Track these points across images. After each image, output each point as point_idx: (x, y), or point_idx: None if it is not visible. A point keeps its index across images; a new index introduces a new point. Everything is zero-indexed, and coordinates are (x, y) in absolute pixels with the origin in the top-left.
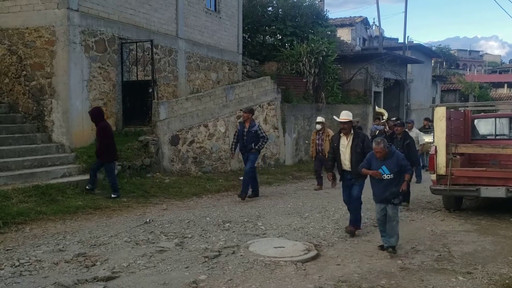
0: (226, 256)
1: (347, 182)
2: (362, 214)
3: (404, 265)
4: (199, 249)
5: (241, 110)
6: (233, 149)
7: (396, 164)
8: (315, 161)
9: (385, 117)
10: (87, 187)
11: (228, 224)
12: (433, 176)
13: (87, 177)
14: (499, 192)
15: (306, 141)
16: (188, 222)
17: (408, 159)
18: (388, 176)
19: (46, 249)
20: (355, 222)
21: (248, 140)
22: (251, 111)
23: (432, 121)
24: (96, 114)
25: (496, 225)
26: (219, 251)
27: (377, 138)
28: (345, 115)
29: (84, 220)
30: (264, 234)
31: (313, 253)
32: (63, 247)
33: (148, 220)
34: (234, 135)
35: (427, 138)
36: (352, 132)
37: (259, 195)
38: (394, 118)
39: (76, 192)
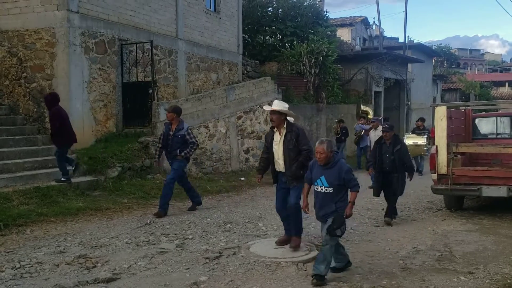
0: (227, 257)
1: (282, 186)
2: (362, 214)
3: (406, 265)
4: (200, 250)
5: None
6: (157, 156)
7: (338, 176)
8: None
9: (370, 116)
10: (61, 178)
11: (229, 225)
12: (434, 176)
13: (88, 178)
14: (500, 191)
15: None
16: (189, 223)
17: (401, 168)
18: (325, 189)
19: (47, 251)
20: (295, 232)
21: (174, 145)
22: (175, 109)
23: (434, 120)
24: (50, 99)
25: (497, 225)
26: (220, 252)
27: (323, 138)
28: (276, 105)
29: (85, 222)
30: (265, 234)
31: (314, 253)
32: (64, 248)
33: (148, 222)
34: (159, 138)
35: (420, 140)
36: (285, 126)
37: (201, 203)
38: (381, 118)
39: (77, 194)
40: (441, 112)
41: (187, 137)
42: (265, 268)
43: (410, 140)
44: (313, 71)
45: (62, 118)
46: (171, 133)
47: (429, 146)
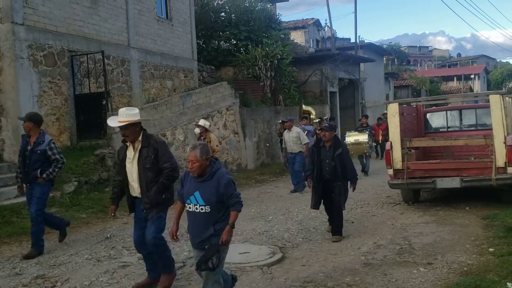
0: (190, 266)
1: (139, 216)
2: (323, 213)
3: (367, 260)
4: None
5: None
6: (18, 178)
7: (216, 191)
8: None
9: (313, 116)
10: None
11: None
12: (390, 171)
13: None
14: (453, 182)
15: (267, 144)
16: None
17: (343, 174)
18: (201, 209)
19: (2, 274)
20: (164, 269)
21: (32, 164)
22: (31, 118)
23: (384, 117)
24: None
25: (453, 215)
26: (183, 262)
27: (196, 142)
28: (123, 116)
29: None
30: None
31: (278, 256)
32: (20, 270)
33: (109, 236)
34: (19, 155)
35: (361, 137)
36: (140, 139)
37: (66, 234)
38: (326, 117)
39: None
40: (393, 109)
41: (49, 152)
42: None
43: (352, 138)
44: (269, 74)
45: None
46: (29, 147)
47: (372, 143)
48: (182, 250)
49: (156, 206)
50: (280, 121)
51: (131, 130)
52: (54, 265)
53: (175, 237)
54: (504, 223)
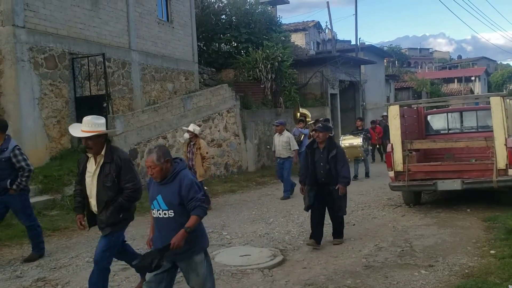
0: None
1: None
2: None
3: (369, 263)
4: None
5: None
6: None
7: (178, 193)
8: None
9: (309, 119)
10: None
11: None
12: (391, 173)
13: (43, 198)
14: (454, 184)
15: (268, 146)
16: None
17: (336, 177)
18: (164, 213)
19: (2, 276)
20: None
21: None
22: None
23: (381, 120)
24: None
25: (454, 217)
26: None
27: (152, 146)
28: (87, 125)
29: None
30: (229, 243)
31: (279, 258)
32: (20, 273)
33: None
34: None
35: (356, 141)
36: (103, 152)
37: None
38: (321, 119)
39: None
40: (394, 111)
41: (13, 160)
42: (231, 277)
43: (346, 141)
44: (269, 77)
45: None
46: None
47: (367, 147)
48: None
49: (112, 225)
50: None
51: (95, 141)
52: (55, 268)
53: (150, 246)
54: (505, 225)
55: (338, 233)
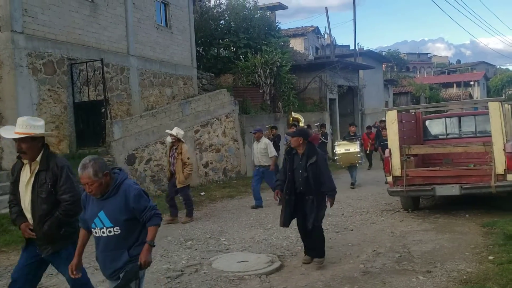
0: (189, 275)
1: (31, 254)
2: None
3: (366, 268)
4: (161, 270)
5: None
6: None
7: (125, 206)
8: (168, 184)
9: (301, 124)
10: None
11: (190, 242)
12: (389, 178)
13: None
14: (453, 189)
15: None
16: None
17: (317, 187)
18: (109, 231)
19: (0, 283)
20: None
21: None
22: None
23: (373, 125)
24: None
25: (452, 222)
26: (181, 271)
27: (87, 158)
28: (24, 126)
29: None
30: (227, 249)
31: (277, 264)
32: None
33: None
34: None
35: (352, 147)
36: (38, 159)
37: None
38: (317, 123)
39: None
40: (392, 116)
41: None
42: (229, 283)
43: (342, 147)
44: (268, 82)
45: None
46: None
47: (362, 154)
48: (180, 259)
49: (52, 243)
50: (269, 126)
51: (30, 145)
52: (51, 274)
53: (74, 273)
54: (504, 230)
55: (318, 251)
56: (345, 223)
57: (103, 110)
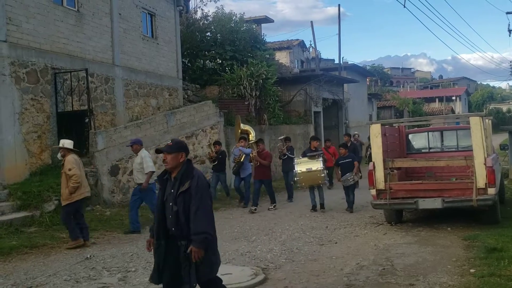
0: None
1: None
2: (307, 233)
3: (350, 281)
4: (143, 282)
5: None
6: None
7: None
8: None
9: (252, 137)
10: None
11: None
12: (373, 191)
13: (21, 214)
14: (435, 203)
15: (251, 163)
16: (132, 255)
17: (187, 227)
18: None
19: None
20: None
21: None
22: None
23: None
24: None
25: (435, 235)
26: None
27: None
28: None
29: (19, 261)
30: None
31: (260, 277)
32: None
33: (88, 256)
34: None
35: (315, 166)
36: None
37: None
38: (282, 137)
39: (10, 232)
40: (375, 129)
41: None
42: None
43: (303, 166)
44: (254, 94)
45: None
46: None
47: (326, 172)
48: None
49: None
50: (208, 144)
51: None
52: (31, 287)
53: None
54: (485, 243)
55: None
56: (329, 235)
57: (87, 120)
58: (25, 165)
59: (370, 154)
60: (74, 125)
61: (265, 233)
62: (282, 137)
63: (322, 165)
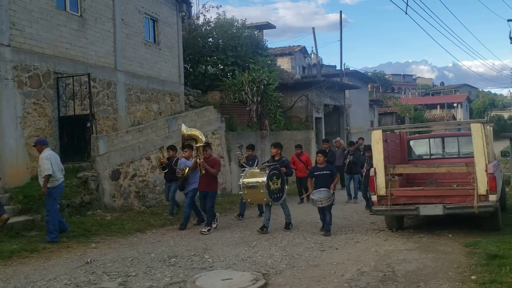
0: None
1: None
2: (307, 239)
3: (351, 287)
4: (144, 287)
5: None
6: None
7: None
8: None
9: (200, 144)
10: None
11: (173, 259)
12: (374, 197)
13: (23, 218)
14: (436, 209)
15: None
16: (132, 259)
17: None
18: None
19: None
20: None
21: None
22: None
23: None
24: None
25: (436, 242)
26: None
27: None
28: None
29: (19, 265)
30: (211, 267)
31: (261, 282)
32: None
33: (89, 260)
34: None
35: (260, 179)
36: None
37: None
38: (239, 145)
39: (11, 235)
40: (377, 135)
41: None
42: None
43: (248, 178)
44: (255, 99)
45: None
46: None
47: (278, 187)
48: (163, 276)
49: None
50: (240, 145)
51: None
52: (50, 280)
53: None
54: (486, 250)
55: None
56: (330, 241)
57: (89, 124)
58: (26, 169)
59: (363, 161)
60: (76, 129)
61: (266, 238)
62: (239, 145)
63: (266, 179)
